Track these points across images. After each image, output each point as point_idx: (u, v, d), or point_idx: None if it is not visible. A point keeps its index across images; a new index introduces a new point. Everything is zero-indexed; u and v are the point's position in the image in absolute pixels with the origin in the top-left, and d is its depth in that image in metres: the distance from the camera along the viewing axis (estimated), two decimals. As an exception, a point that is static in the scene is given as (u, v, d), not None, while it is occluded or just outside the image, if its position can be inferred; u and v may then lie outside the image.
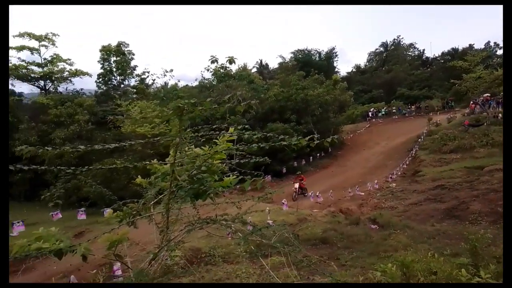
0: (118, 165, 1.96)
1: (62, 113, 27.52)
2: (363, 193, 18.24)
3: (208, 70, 33.43)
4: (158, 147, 21.84)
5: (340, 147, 31.08)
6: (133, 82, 37.73)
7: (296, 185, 18.77)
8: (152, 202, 2.43)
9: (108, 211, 2.49)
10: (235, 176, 2.47)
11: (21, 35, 31.13)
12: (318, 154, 28.74)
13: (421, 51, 67.10)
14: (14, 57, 31.24)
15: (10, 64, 30.45)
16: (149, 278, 1.96)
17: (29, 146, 1.64)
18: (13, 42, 31.74)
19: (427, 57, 66.27)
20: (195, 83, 39.57)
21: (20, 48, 31.14)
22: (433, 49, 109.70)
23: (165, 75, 35.43)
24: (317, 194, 16.89)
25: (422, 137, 27.77)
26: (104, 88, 36.54)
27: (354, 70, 70.58)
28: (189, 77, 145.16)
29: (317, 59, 61.34)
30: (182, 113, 1.62)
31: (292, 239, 2.74)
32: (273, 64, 72.24)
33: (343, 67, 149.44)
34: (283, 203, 14.49)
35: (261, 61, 67.57)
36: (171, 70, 37.31)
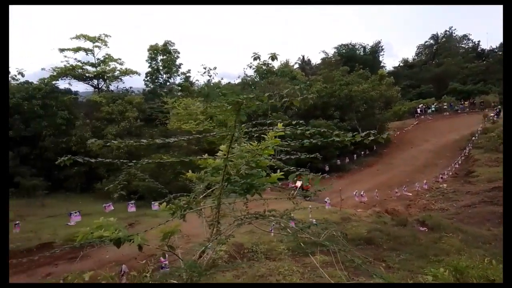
0: (172, 159, 2.04)
1: (114, 110, 29.02)
2: (410, 193, 17.49)
3: (250, 67, 33.79)
4: (202, 143, 22.54)
5: (386, 144, 29.90)
6: (178, 80, 39.01)
7: (298, 183, 17.27)
8: (202, 196, 2.48)
9: (157, 204, 2.59)
10: (282, 173, 2.45)
11: (77, 37, 33.21)
12: (362, 152, 27.99)
13: (476, 42, 62.78)
14: (71, 58, 33.42)
15: (68, 65, 32.66)
16: (201, 269, 2.01)
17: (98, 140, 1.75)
18: (70, 43, 33.85)
19: (482, 49, 61.85)
20: (238, 80, 40.08)
21: (76, 49, 33.22)
22: (489, 40, 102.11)
23: (209, 73, 36.22)
24: (362, 193, 16.43)
25: (477, 135, 26.00)
26: (152, 86, 38.11)
27: (401, 64, 67.45)
28: (231, 74, 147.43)
29: (362, 53, 59.51)
30: (240, 108, 1.65)
31: (340, 238, 2.69)
32: (316, 59, 71.18)
33: (390, 61, 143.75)
34: (326, 201, 14.29)
35: (303, 57, 67.20)
36: (215, 68, 38.03)
